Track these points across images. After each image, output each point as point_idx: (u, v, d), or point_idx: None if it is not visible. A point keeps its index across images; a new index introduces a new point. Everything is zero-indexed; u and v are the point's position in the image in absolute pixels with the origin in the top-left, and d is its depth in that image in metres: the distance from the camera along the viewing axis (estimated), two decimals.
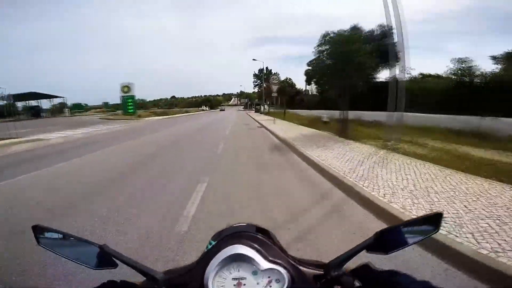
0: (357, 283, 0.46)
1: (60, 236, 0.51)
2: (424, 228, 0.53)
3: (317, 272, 0.48)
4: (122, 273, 0.51)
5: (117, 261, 0.50)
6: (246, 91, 77.60)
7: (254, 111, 46.11)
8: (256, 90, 70.15)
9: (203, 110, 67.54)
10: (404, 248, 0.50)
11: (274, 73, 54.86)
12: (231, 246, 0.47)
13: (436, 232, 0.54)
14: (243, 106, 79.24)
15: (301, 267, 0.48)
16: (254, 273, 0.46)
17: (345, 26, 14.05)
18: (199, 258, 0.49)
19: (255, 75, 69.76)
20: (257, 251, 0.47)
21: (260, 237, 0.50)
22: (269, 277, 0.46)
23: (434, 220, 0.54)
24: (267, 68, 67.69)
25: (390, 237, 0.51)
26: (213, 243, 0.50)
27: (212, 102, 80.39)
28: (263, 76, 63.35)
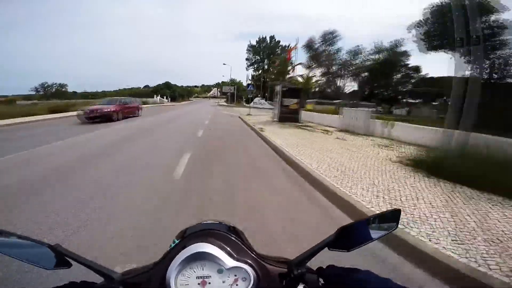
0: (321, 281, 0.49)
1: (12, 237, 0.51)
2: (384, 224, 0.58)
3: (282, 270, 0.50)
4: (77, 273, 0.52)
5: (72, 261, 0.51)
6: (223, 80, 58.17)
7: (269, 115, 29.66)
8: (251, 73, 50.71)
9: (154, 103, 45.23)
10: (366, 245, 0.55)
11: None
12: (195, 245, 0.48)
13: (395, 229, 0.59)
14: (224, 99, 60.10)
15: (267, 265, 0.50)
16: (220, 271, 0.47)
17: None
18: (161, 257, 0.50)
19: (251, 48, 50.31)
20: (223, 249, 0.48)
21: (226, 235, 0.52)
22: (235, 275, 0.47)
23: (393, 216, 0.59)
24: (273, 38, 48.27)
25: (351, 234, 0.54)
26: (177, 241, 0.51)
27: (177, 92, 59.20)
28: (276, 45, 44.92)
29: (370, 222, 0.57)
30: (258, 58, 51.36)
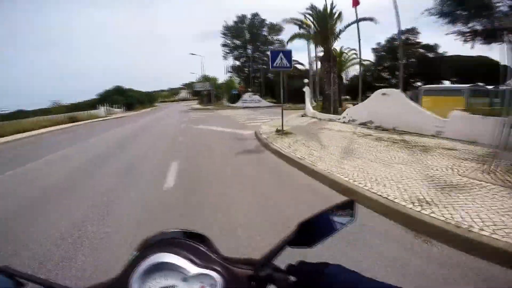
0: (292, 279, 0.50)
1: None
2: (342, 217, 0.61)
3: (249, 272, 0.51)
4: None
5: (23, 281, 0.52)
6: (193, 81, 44.36)
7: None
8: (230, 63, 38.13)
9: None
10: (327, 239, 0.58)
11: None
12: (154, 255, 0.48)
13: (354, 221, 0.62)
14: (198, 101, 46.43)
15: (233, 269, 0.50)
16: (184, 279, 0.47)
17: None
18: (120, 271, 0.50)
19: (228, 30, 36.76)
20: (184, 257, 0.48)
21: (187, 242, 0.52)
22: (201, 282, 0.47)
23: (348, 207, 0.63)
24: (256, 15, 35.06)
25: (311, 229, 0.57)
26: (135, 253, 0.52)
27: (134, 98, 44.46)
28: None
29: (327, 214, 0.59)
30: (239, 43, 38.47)
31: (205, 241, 0.55)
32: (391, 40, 39.06)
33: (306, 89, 17.21)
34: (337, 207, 0.61)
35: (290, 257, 0.57)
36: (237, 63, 41.27)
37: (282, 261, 0.53)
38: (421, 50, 34.04)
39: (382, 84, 41.82)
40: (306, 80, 21.52)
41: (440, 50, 30.56)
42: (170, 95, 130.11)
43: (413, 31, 37.06)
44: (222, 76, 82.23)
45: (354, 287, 0.45)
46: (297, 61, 32.81)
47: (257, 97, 30.65)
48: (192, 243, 0.52)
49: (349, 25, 14.90)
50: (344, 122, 11.05)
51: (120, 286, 0.47)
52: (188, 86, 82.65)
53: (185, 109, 34.21)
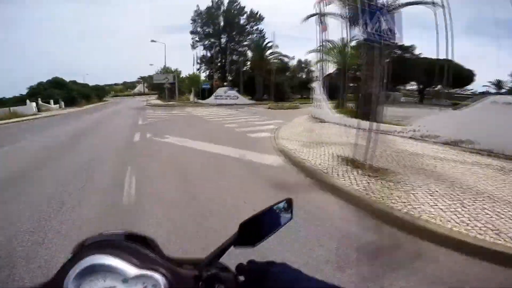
0: (241, 278, 0.52)
1: None
2: (280, 214, 0.65)
3: (195, 272, 0.50)
4: None
5: None
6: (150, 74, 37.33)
7: None
8: (199, 53, 31.88)
9: None
10: (269, 237, 0.60)
11: None
12: (90, 257, 0.46)
13: (291, 219, 0.67)
14: (156, 96, 39.85)
15: (178, 269, 0.49)
16: (125, 281, 0.45)
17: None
18: (53, 275, 0.48)
19: (198, 16, 30.78)
20: (124, 259, 0.46)
21: (127, 244, 0.50)
22: (143, 283, 0.45)
23: (287, 206, 0.66)
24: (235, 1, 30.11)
25: (253, 229, 0.58)
26: (70, 256, 0.50)
27: (75, 92, 36.35)
28: None
29: (267, 214, 0.61)
30: (210, 31, 32.82)
31: (148, 242, 0.53)
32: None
33: (317, 85, 12.87)
34: (276, 206, 0.63)
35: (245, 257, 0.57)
36: (208, 54, 35.27)
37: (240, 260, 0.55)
38: (398, 51, 32.51)
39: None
40: (315, 74, 17.10)
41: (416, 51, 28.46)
42: (125, 89, 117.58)
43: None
44: (188, 70, 74.50)
45: (296, 285, 0.47)
46: (279, 53, 28.59)
47: (233, 92, 25.28)
48: (132, 244, 0.50)
49: None
50: (413, 137, 6.87)
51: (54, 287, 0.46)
52: (145, 79, 73.49)
53: (141, 105, 27.16)
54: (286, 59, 29.89)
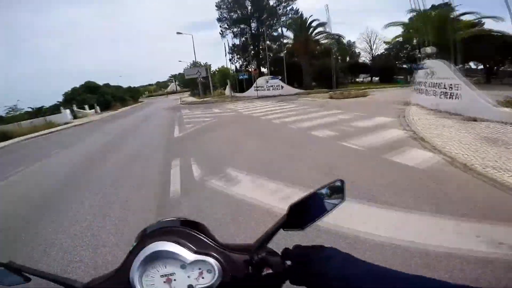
0: (288, 263, 0.52)
1: None
2: (332, 197, 0.61)
3: (246, 257, 0.51)
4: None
5: (29, 276, 0.55)
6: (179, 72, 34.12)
7: None
8: (230, 42, 28.50)
9: None
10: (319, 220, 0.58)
11: None
12: (152, 244, 0.48)
13: (343, 201, 0.62)
14: (189, 93, 37.38)
15: (230, 254, 0.51)
16: (183, 266, 0.48)
17: None
18: (121, 263, 0.51)
19: (221, 2, 26.90)
20: (182, 244, 0.49)
21: (184, 230, 0.52)
22: (199, 268, 0.48)
23: (338, 188, 0.62)
24: None
25: (302, 211, 0.56)
26: (135, 244, 0.52)
27: (110, 95, 34.84)
28: None
29: (317, 196, 0.59)
30: (238, 15, 28.96)
31: (202, 229, 0.55)
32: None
33: (438, 64, 8.49)
34: (327, 188, 0.61)
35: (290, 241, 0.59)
36: (239, 41, 31.06)
37: (282, 244, 0.55)
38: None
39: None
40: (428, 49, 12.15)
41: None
42: (158, 88, 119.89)
43: (446, 5, 29.73)
44: (219, 64, 71.12)
45: (347, 271, 0.46)
46: (327, 32, 23.66)
47: (277, 81, 21.00)
48: (189, 230, 0.52)
49: None
50: None
51: (122, 275, 0.48)
52: (176, 77, 72.21)
53: (175, 104, 24.52)
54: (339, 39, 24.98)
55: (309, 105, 12.93)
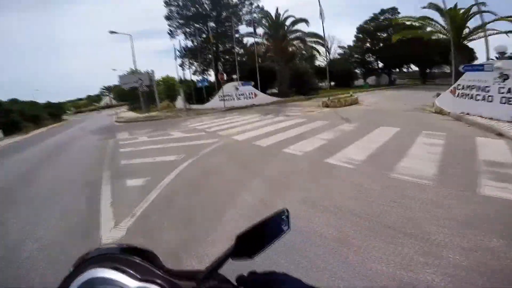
0: None
1: None
2: (278, 226, 0.63)
3: (194, 284, 0.49)
4: None
5: None
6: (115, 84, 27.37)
7: None
8: (180, 43, 23.96)
9: None
10: (270, 247, 0.60)
11: None
12: (90, 271, 0.46)
13: (289, 230, 0.65)
14: (127, 107, 30.58)
15: (177, 281, 0.48)
16: None
17: None
18: None
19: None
20: (122, 271, 0.46)
21: (126, 257, 0.50)
22: None
23: (283, 217, 0.64)
24: None
25: (250, 241, 0.57)
26: (71, 269, 0.50)
27: (17, 113, 25.62)
28: None
29: (264, 225, 0.59)
30: (191, 13, 24.14)
31: (148, 255, 0.53)
32: (373, 19, 32.43)
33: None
34: (273, 218, 0.61)
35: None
36: (192, 41, 25.53)
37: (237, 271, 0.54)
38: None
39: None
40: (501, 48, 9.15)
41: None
42: (89, 103, 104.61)
43: (393, 10, 31.22)
44: (165, 73, 61.94)
45: None
46: (301, 31, 20.48)
47: (249, 88, 16.76)
48: (131, 257, 0.50)
49: None
50: None
51: None
52: (110, 89, 61.77)
53: (108, 123, 17.68)
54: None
55: (321, 119, 8.87)
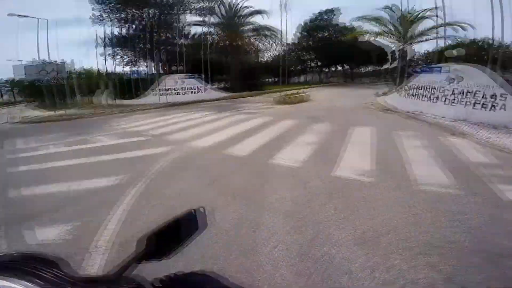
0: None
1: None
2: (188, 224, 0.60)
3: None
4: None
5: None
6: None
7: None
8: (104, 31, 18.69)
9: None
10: (184, 247, 0.56)
11: None
12: None
13: (198, 229, 0.62)
14: (36, 102, 24.06)
15: (86, 285, 0.47)
16: None
17: None
18: None
19: None
20: (22, 279, 0.43)
21: (22, 264, 0.47)
22: None
23: (193, 216, 0.62)
24: None
25: (162, 241, 0.55)
26: None
27: None
28: None
29: (174, 225, 0.57)
30: None
31: (56, 261, 0.50)
32: (314, 20, 32.64)
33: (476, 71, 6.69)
34: (183, 217, 0.60)
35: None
36: (122, 28, 21.26)
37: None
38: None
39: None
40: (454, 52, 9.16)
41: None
42: None
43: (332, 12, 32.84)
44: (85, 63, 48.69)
45: None
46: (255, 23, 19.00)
47: (194, 81, 14.53)
48: (30, 264, 0.47)
49: None
50: None
51: None
52: (13, 83, 49.14)
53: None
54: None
55: (288, 118, 7.80)
